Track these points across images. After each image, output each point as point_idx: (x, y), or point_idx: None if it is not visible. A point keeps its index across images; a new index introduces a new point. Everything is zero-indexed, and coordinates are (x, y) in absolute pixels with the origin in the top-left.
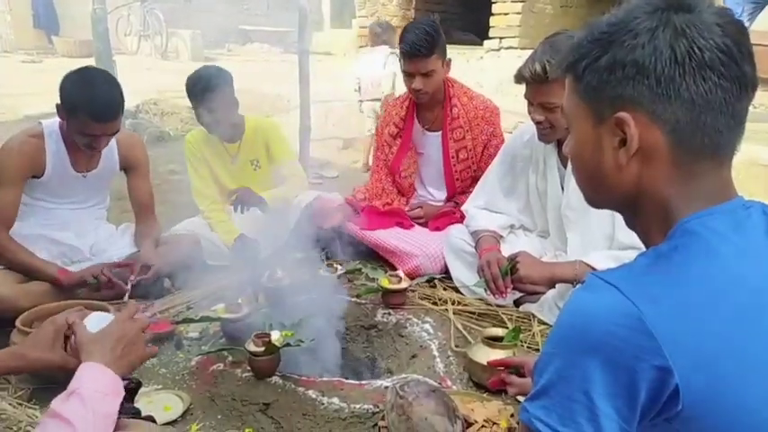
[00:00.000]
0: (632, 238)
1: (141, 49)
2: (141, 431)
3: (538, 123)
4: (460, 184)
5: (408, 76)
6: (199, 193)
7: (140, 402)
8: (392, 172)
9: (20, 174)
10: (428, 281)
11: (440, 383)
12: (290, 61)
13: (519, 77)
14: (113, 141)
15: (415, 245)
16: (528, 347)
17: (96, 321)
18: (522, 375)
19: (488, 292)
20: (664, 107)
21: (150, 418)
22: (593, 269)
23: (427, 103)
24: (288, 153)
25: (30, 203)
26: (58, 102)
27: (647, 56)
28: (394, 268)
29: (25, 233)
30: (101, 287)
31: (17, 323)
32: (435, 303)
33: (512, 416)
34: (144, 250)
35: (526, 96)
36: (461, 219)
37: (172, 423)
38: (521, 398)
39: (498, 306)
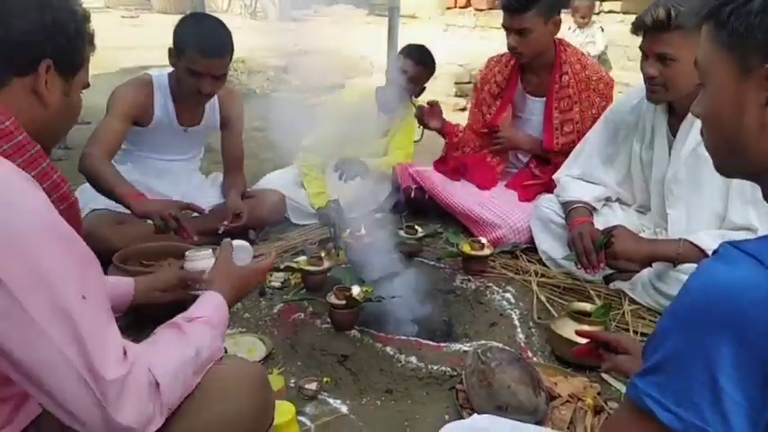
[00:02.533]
0: (747, 217)
1: (232, 9)
2: (240, 363)
3: (650, 79)
4: (560, 159)
5: (505, 30)
6: (316, 147)
7: (227, 343)
8: (490, 127)
9: (129, 111)
10: (511, 251)
11: (520, 354)
12: (375, 23)
13: (637, 25)
14: (216, 99)
15: (499, 215)
16: (617, 326)
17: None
18: (614, 352)
19: (578, 266)
20: None
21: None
22: (701, 250)
23: (533, 65)
24: (411, 129)
25: (130, 150)
26: (171, 46)
27: None
28: (472, 234)
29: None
30: (168, 229)
31: (114, 260)
32: (517, 273)
33: (598, 394)
34: (231, 200)
35: (641, 47)
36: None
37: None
38: (609, 377)
39: (587, 281)
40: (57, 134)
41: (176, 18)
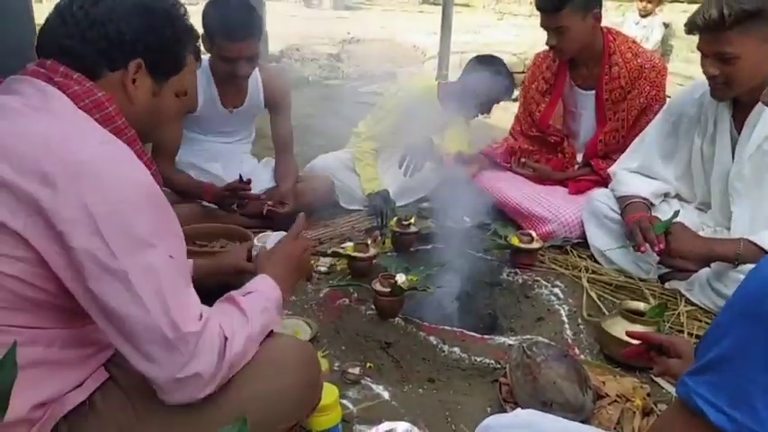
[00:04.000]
0: None
1: None
2: (291, 340)
3: (711, 78)
4: (602, 148)
5: (544, 30)
6: (373, 136)
7: None
8: (541, 129)
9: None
10: (561, 245)
11: (567, 351)
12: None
13: (691, 25)
14: (259, 80)
15: (549, 209)
16: (671, 328)
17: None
18: (666, 355)
19: (635, 249)
20: None
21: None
22: (763, 251)
23: (582, 58)
24: (466, 129)
25: (184, 135)
26: (203, 32)
27: None
28: (520, 227)
29: (179, 161)
30: (239, 204)
31: None
32: (567, 269)
33: (648, 395)
34: (284, 188)
35: (699, 47)
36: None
37: None
38: (662, 381)
39: (641, 280)
40: (140, 132)
41: None
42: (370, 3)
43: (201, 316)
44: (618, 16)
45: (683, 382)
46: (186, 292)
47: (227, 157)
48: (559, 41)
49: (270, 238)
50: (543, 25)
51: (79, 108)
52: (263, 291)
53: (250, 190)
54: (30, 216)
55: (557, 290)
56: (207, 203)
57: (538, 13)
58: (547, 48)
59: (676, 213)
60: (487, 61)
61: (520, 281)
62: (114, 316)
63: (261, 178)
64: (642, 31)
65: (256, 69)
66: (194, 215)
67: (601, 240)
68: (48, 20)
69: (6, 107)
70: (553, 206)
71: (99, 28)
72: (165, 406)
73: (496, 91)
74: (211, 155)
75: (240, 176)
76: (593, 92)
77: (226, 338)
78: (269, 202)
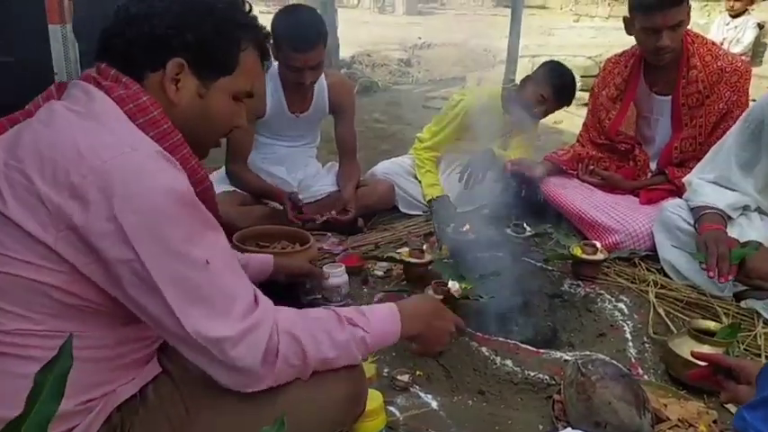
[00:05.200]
0: None
1: (362, 3)
2: None
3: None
4: (678, 156)
5: (651, 32)
6: (435, 142)
7: None
8: (610, 137)
9: (249, 113)
10: (628, 257)
11: (629, 370)
12: (502, 14)
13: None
14: (324, 85)
15: (617, 219)
16: (745, 350)
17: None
18: (735, 380)
19: (705, 268)
20: None
21: None
22: None
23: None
24: (536, 128)
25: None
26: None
27: None
28: (585, 237)
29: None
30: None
31: (234, 240)
32: (634, 283)
33: (714, 422)
34: (347, 194)
35: (657, 24)
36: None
37: None
38: (731, 407)
39: (713, 297)
40: (196, 140)
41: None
42: (443, 7)
43: (252, 311)
44: (702, 17)
45: (740, 415)
46: (231, 290)
47: (292, 161)
48: (674, 39)
49: (337, 275)
50: (659, 25)
51: (124, 112)
52: (375, 325)
53: (304, 214)
54: (60, 231)
55: (621, 304)
56: (276, 205)
57: (617, 15)
58: (617, 54)
59: (757, 247)
60: (550, 67)
61: (582, 293)
62: (155, 321)
63: (324, 182)
64: (732, 33)
65: (322, 75)
66: (262, 216)
67: (670, 252)
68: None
69: (55, 113)
70: (621, 215)
71: (137, 25)
72: (212, 403)
73: (557, 98)
74: (277, 158)
75: (298, 198)
76: (669, 97)
77: (277, 350)
78: (332, 212)
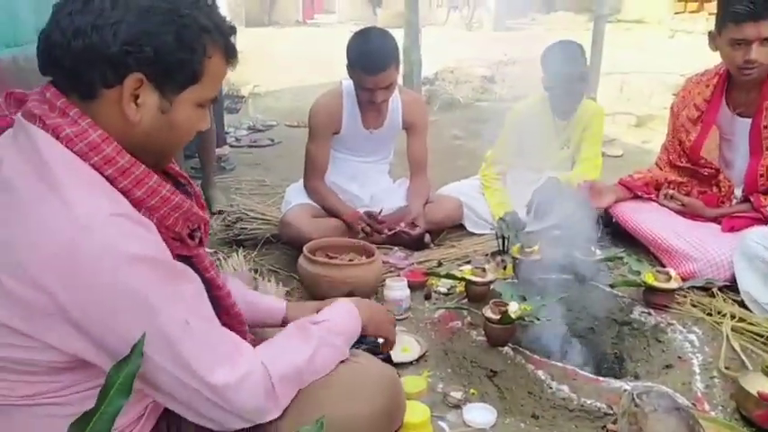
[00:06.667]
0: None
1: (450, 20)
2: (374, 363)
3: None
4: (765, 183)
5: (740, 44)
6: (494, 157)
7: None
8: (693, 160)
9: (326, 130)
10: (705, 287)
11: (694, 404)
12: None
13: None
14: (398, 102)
15: (696, 246)
16: None
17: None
18: None
19: None
20: None
21: (387, 359)
22: None
23: (745, 82)
24: (597, 138)
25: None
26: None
27: None
28: (662, 263)
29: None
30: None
31: (304, 250)
32: (709, 314)
33: None
34: (415, 210)
35: (745, 37)
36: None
37: (407, 364)
38: None
39: None
40: (158, 153)
41: (395, 32)
42: (533, 23)
43: (241, 356)
44: None
45: None
46: (213, 345)
47: (365, 177)
48: (762, 55)
49: (397, 288)
50: (750, 36)
51: (74, 152)
52: (338, 321)
53: (382, 224)
54: (39, 323)
55: (692, 336)
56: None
57: (714, 29)
58: (698, 74)
59: None
60: (556, 45)
61: (652, 322)
62: (149, 383)
63: (394, 198)
64: None
65: (396, 91)
66: (335, 228)
67: (751, 284)
68: (45, 27)
69: (8, 185)
70: (700, 242)
71: (84, 37)
72: None
73: (579, 63)
74: (351, 174)
75: (380, 211)
76: (750, 120)
77: (272, 382)
78: (401, 225)
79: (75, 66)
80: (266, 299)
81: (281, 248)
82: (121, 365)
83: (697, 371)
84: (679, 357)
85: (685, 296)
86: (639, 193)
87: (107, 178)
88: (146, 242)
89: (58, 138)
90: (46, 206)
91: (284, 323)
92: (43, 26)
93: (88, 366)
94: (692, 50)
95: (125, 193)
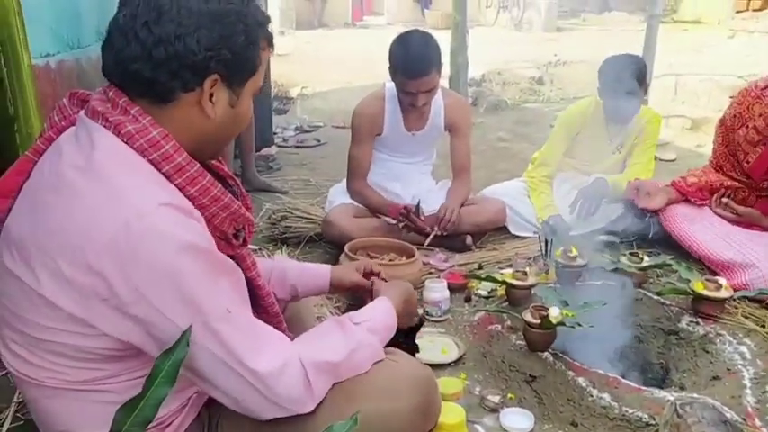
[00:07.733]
0: None
1: (499, 21)
2: (411, 363)
3: None
4: None
5: None
6: (542, 159)
7: (423, 339)
8: (754, 177)
9: (368, 133)
10: (758, 298)
11: (744, 419)
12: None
13: None
14: (441, 104)
15: (748, 256)
16: None
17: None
18: None
19: None
20: None
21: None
22: None
23: None
24: (651, 143)
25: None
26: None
27: None
28: (714, 273)
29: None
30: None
31: (346, 249)
32: (762, 326)
33: None
34: (449, 205)
35: None
36: None
37: (445, 365)
38: None
39: None
40: (220, 144)
41: (443, 33)
42: (584, 24)
43: (280, 346)
44: None
45: None
46: (254, 333)
47: (407, 178)
48: None
49: (436, 290)
50: None
51: (134, 149)
52: (377, 320)
53: (422, 220)
54: (93, 308)
55: (743, 348)
56: (390, 220)
57: None
58: (758, 87)
59: None
60: (616, 63)
61: (701, 332)
62: (194, 371)
63: (435, 199)
64: None
65: (439, 93)
66: (377, 228)
67: None
68: (110, 38)
69: (61, 178)
70: (753, 252)
71: (166, 46)
72: None
73: (628, 94)
74: (393, 175)
75: (418, 206)
76: None
77: (307, 375)
78: (435, 228)
79: (156, 75)
80: (311, 264)
81: (323, 247)
82: (168, 354)
83: (747, 384)
84: (728, 369)
85: (736, 307)
86: (692, 200)
87: (164, 174)
88: (196, 232)
89: (119, 134)
90: (101, 194)
91: (332, 285)
92: (104, 28)
93: (140, 355)
94: (750, 50)
95: (179, 189)
